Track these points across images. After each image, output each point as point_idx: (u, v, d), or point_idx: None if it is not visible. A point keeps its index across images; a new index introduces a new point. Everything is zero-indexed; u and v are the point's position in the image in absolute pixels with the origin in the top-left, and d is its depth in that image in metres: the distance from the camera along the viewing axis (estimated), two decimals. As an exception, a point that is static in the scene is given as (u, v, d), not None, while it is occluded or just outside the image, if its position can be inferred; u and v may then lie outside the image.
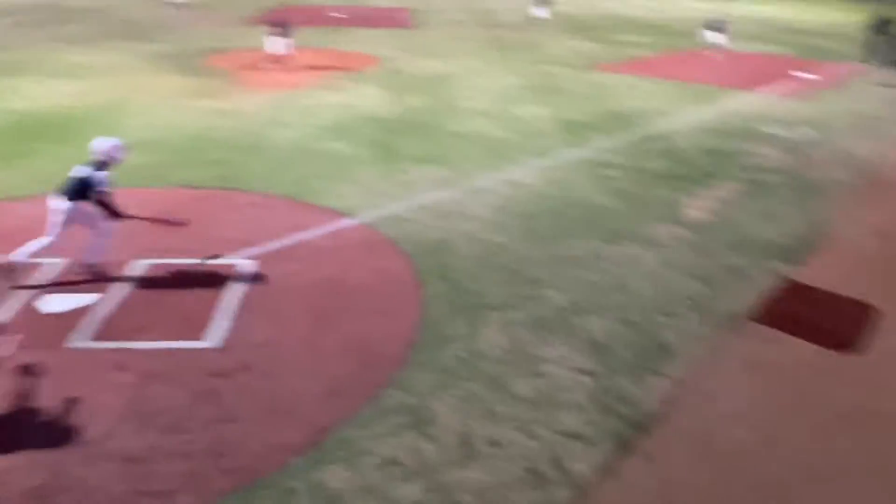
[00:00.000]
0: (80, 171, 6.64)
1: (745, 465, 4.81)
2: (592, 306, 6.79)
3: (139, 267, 7.18)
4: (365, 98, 15.65)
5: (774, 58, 25.42)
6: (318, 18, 32.56)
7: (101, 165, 6.63)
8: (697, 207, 9.59)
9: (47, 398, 5.12)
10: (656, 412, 5.29)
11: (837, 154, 12.66)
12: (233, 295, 6.71)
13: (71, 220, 6.62)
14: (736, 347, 6.24)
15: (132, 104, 14.30)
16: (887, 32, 24.01)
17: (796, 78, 20.74)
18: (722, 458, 4.88)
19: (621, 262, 7.78)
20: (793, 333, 6.44)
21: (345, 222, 8.58)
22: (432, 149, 11.91)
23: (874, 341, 6.42)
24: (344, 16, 33.89)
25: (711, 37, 23.67)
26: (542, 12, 32.34)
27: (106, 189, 6.61)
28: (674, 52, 24.36)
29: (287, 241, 7.92)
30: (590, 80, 19.33)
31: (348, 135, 12.52)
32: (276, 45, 18.99)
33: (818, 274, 7.70)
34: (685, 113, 15.47)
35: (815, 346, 6.26)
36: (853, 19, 25.80)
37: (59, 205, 6.56)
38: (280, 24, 19.34)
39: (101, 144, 6.72)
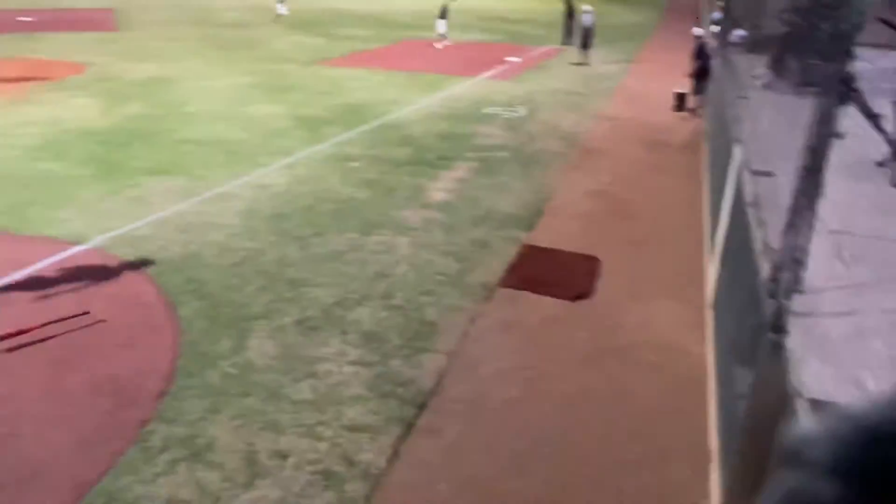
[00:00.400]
0: None
1: (516, 416, 5.26)
2: (358, 298, 6.88)
3: None
4: (74, 110, 13.97)
5: (487, 45, 27.71)
6: (4, 24, 28.24)
7: None
8: (440, 189, 10.16)
9: None
10: (432, 387, 5.55)
11: (548, 128, 14.25)
12: (-63, 356, 5.62)
13: None
14: (491, 313, 6.77)
15: None
16: (574, 18, 27.50)
17: (508, 62, 22.88)
18: (495, 414, 5.28)
19: (379, 251, 7.97)
20: (536, 292, 7.16)
21: (73, 250, 7.62)
22: (163, 158, 11.05)
23: (600, 288, 7.39)
24: (32, 19, 29.78)
25: (440, 25, 25.01)
26: (283, 9, 31.80)
27: None
28: (397, 43, 25.35)
29: (5, 281, 6.82)
30: (320, 74, 19.36)
31: (61, 153, 11.10)
32: None
33: (549, 236, 8.64)
34: (416, 101, 16.24)
35: (556, 300, 7.03)
36: (551, 7, 29.03)
37: None
38: None
39: None
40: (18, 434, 4.80)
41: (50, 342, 5.89)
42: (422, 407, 5.30)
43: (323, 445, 4.84)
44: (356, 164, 11.14)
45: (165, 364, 5.65)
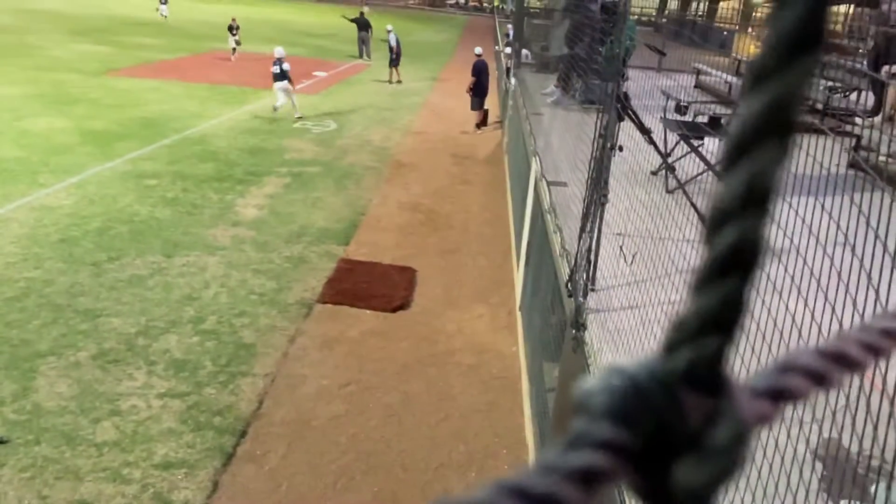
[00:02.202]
0: None
1: (341, 432, 5.22)
2: (165, 324, 6.42)
3: None
4: None
5: (293, 59, 27.25)
6: None
7: None
8: (250, 206, 9.81)
9: None
10: (252, 412, 5.33)
11: (359, 142, 14.35)
12: None
13: None
14: (311, 330, 6.66)
15: None
16: (368, 32, 28.04)
17: (315, 77, 22.70)
18: (319, 433, 5.20)
19: (186, 273, 7.51)
20: (355, 306, 7.17)
21: None
22: (-84, 180, 9.53)
23: (417, 297, 7.57)
24: None
25: (230, 39, 24.09)
26: (165, 10, 29.30)
27: None
28: (193, 54, 24.11)
29: None
30: (108, 85, 17.85)
31: None
32: None
33: (364, 249, 8.69)
34: (218, 115, 15.54)
35: (374, 313, 7.09)
36: (343, 21, 29.29)
37: None
38: None
39: None
40: None
41: None
42: (242, 434, 5.08)
43: (132, 489, 4.45)
44: (154, 182, 10.41)
45: (-70, 418, 4.88)
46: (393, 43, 22.58)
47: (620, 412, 0.26)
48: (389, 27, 23.11)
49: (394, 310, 7.20)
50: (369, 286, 7.65)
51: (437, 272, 8.24)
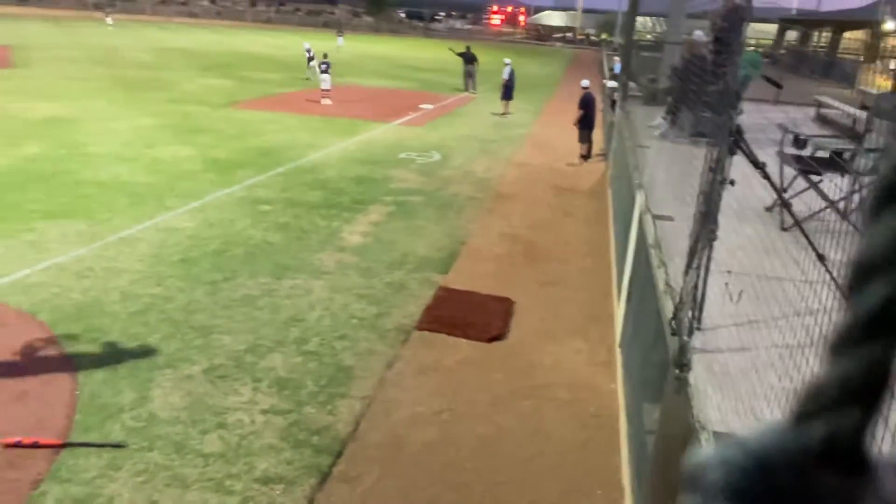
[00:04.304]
0: None
1: (433, 460, 5.22)
2: (271, 344, 6.70)
3: None
4: (-39, 149, 13.13)
5: (400, 92, 28.18)
6: None
7: None
8: (355, 233, 10.14)
9: None
10: (348, 434, 5.44)
11: (462, 173, 14.56)
12: None
13: None
14: (408, 356, 6.74)
15: None
16: (473, 65, 28.46)
17: (421, 109, 23.32)
18: (412, 459, 5.23)
19: (293, 295, 7.83)
20: (452, 334, 7.21)
21: (-45, 299, 7.08)
22: (63, 201, 10.51)
23: (513, 329, 7.52)
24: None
25: (324, 80, 22.80)
26: (110, 20, 28.06)
27: None
28: (308, 89, 25.35)
29: None
30: (231, 117, 19.09)
31: (-56, 194, 10.38)
32: None
33: (464, 278, 8.75)
34: (330, 145, 16.24)
35: (471, 342, 7.09)
36: (450, 55, 30.01)
37: None
38: None
39: None
40: None
41: (-73, 399, 5.41)
42: (338, 454, 5.18)
43: (233, 500, 4.63)
44: (268, 208, 10.97)
45: (61, 418, 5.29)
46: (506, 76, 22.81)
47: (740, 493, 0.22)
48: (507, 60, 23.31)
49: (490, 340, 7.18)
50: (466, 315, 7.67)
51: (535, 304, 8.16)
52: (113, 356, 6.23)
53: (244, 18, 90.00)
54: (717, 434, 2.94)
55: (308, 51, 30.33)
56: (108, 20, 59.37)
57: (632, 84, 14.23)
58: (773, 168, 5.89)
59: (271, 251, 9.13)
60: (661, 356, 4.36)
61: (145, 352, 6.37)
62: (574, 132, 16.62)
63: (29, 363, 6.04)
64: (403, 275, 8.70)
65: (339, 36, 49.17)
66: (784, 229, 5.66)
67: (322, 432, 5.41)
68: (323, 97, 22.57)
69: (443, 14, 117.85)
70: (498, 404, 6.05)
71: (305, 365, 6.38)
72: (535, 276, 9.11)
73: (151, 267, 8.29)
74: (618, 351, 7.00)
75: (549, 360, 6.89)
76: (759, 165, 4.95)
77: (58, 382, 5.77)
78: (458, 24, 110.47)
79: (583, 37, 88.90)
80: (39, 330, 6.61)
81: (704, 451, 0.23)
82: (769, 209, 6.11)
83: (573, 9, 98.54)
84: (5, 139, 14.24)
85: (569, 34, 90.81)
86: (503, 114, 22.90)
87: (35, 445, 4.94)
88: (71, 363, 6.07)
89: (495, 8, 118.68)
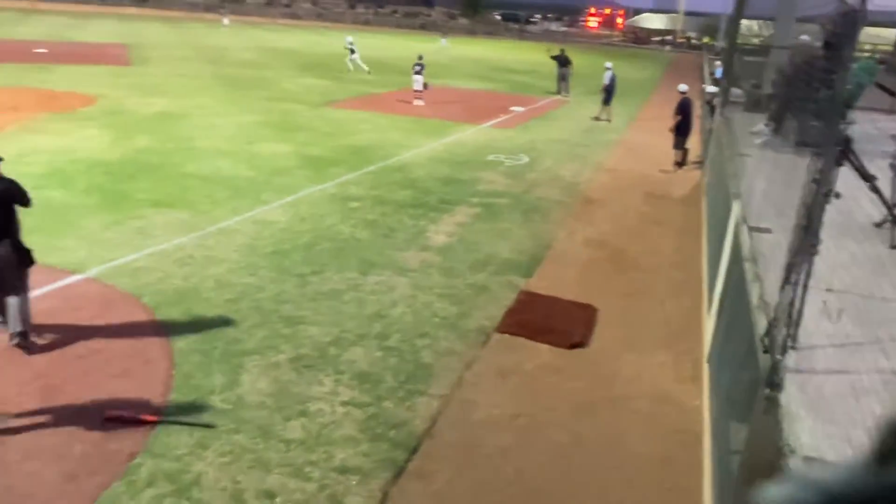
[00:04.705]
0: None
1: (508, 464, 5.20)
2: (354, 337, 6.86)
3: None
4: (84, 140, 14.16)
5: (492, 94, 28.21)
6: (18, 54, 28.83)
7: None
8: (440, 233, 10.23)
9: None
10: (424, 431, 5.49)
11: (550, 176, 14.42)
12: (-72, 380, 5.58)
13: None
14: (487, 358, 6.74)
15: None
16: (567, 68, 28.07)
17: (512, 112, 23.25)
18: (486, 460, 5.22)
19: (377, 291, 7.98)
20: (533, 339, 7.15)
21: (72, 279, 7.63)
22: (169, 192, 11.15)
23: (596, 337, 7.38)
24: (45, 51, 30.41)
25: (416, 81, 23.08)
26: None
27: None
28: (401, 89, 25.77)
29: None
30: (326, 116, 19.66)
31: (67, 182, 11.21)
32: None
33: (547, 283, 8.66)
34: (420, 145, 16.46)
35: (552, 348, 7.01)
36: (544, 58, 29.77)
37: None
38: None
39: None
40: (4, 463, 4.73)
41: (41, 368, 5.85)
42: (413, 451, 5.24)
43: (311, 486, 4.77)
44: (357, 205, 11.24)
45: (157, 396, 5.61)
46: (607, 81, 22.37)
47: None
48: (609, 64, 22.86)
49: (571, 346, 7.07)
50: (548, 320, 7.59)
51: (619, 313, 7.98)
52: (207, 340, 6.55)
53: (344, 20, 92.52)
54: (807, 459, 2.78)
55: (350, 44, 31.93)
56: (225, 21, 62.75)
57: (733, 90, 13.66)
58: (884, 182, 5.52)
59: (358, 247, 9.34)
60: (752, 374, 4.17)
61: (236, 338, 6.66)
62: (669, 138, 16.12)
63: (132, 342, 6.44)
64: (486, 277, 8.70)
65: (444, 37, 52.63)
66: (894, 247, 5.29)
67: (399, 427, 5.49)
68: (415, 98, 22.88)
69: (538, 16, 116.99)
70: (576, 413, 5.96)
71: (386, 360, 6.49)
72: (621, 284, 8.90)
73: (245, 257, 8.66)
74: (705, 366, 6.74)
75: (632, 370, 6.72)
76: (868, 178, 4.65)
77: (157, 362, 6.12)
78: (553, 26, 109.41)
79: (683, 40, 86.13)
80: (142, 312, 7.03)
81: (777, 489, 0.22)
82: (878, 225, 5.72)
83: (674, 11, 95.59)
84: (121, 132, 15.24)
85: (668, 37, 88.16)
86: (601, 119, 22.46)
87: (134, 420, 5.26)
88: (169, 345, 6.43)
89: (593, 10, 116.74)
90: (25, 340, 6.04)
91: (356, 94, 24.39)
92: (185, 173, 12.38)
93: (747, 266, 4.99)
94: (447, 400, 5.95)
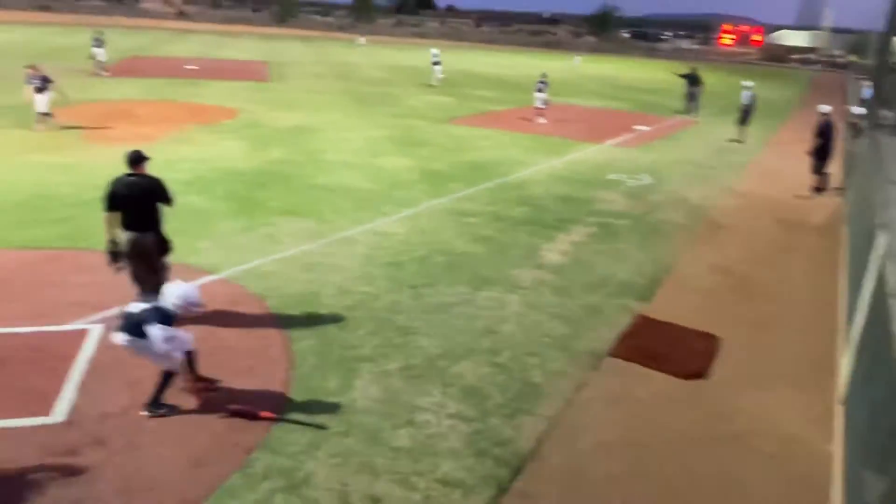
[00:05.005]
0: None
1: (616, 494, 5.02)
2: (463, 352, 6.90)
3: (-33, 338, 6.44)
4: (224, 151, 15.25)
5: (616, 112, 27.67)
6: (172, 70, 31.52)
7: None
8: (555, 251, 10.11)
9: None
10: (529, 451, 5.42)
11: (674, 198, 13.90)
12: (81, 364, 6.16)
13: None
14: (598, 382, 6.56)
15: (-44, 159, 13.00)
16: (698, 87, 27.00)
17: (636, 131, 22.67)
18: (593, 487, 5.07)
19: (488, 307, 8.00)
20: (647, 366, 6.89)
21: (207, 279, 8.20)
22: (296, 201, 11.76)
23: (716, 368, 7.00)
24: (196, 67, 33.04)
25: (538, 98, 23.08)
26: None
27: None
28: (522, 107, 25.82)
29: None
30: (449, 132, 20.03)
31: (207, 188, 12.10)
32: (39, 101, 15.96)
33: (665, 308, 8.33)
34: (539, 163, 16.40)
35: (667, 376, 6.72)
36: (673, 76, 28.82)
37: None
38: (39, 75, 15.99)
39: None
40: (138, 446, 5.14)
41: (177, 362, 6.31)
42: (517, 470, 5.19)
43: (416, 496, 4.83)
44: (474, 220, 11.34)
45: (276, 394, 5.90)
46: (746, 100, 21.40)
47: None
48: (748, 83, 21.83)
49: (688, 376, 6.75)
50: (665, 347, 7.29)
51: (743, 344, 7.53)
52: (324, 344, 6.82)
53: (469, 38, 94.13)
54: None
55: (435, 56, 33.24)
56: (361, 40, 65.97)
57: (883, 112, 12.62)
58: None
59: (472, 262, 9.42)
60: (894, 421, 3.80)
61: (352, 344, 6.89)
62: (807, 162, 15.11)
63: (257, 342, 6.82)
64: (600, 298, 8.50)
65: (577, 56, 55.90)
66: None
67: (504, 445, 5.45)
68: (537, 115, 22.85)
69: (669, 34, 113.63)
70: (691, 446, 5.67)
71: (494, 376, 6.48)
72: (746, 314, 8.41)
73: (364, 267, 8.95)
74: (838, 408, 6.21)
75: (754, 407, 6.31)
76: None
77: (278, 362, 6.44)
78: (684, 43, 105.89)
79: (826, 58, 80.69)
80: (267, 313, 7.44)
81: None
82: None
83: (817, 28, 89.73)
84: (257, 144, 16.27)
85: (810, 55, 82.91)
86: (737, 140, 21.43)
87: (254, 416, 5.55)
88: (290, 345, 6.74)
89: (727, 27, 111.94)
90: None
91: (477, 111, 24.69)
92: (313, 184, 13.01)
93: (893, 303, 4.57)
94: (555, 422, 5.84)
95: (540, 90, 22.90)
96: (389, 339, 7.06)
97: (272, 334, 6.99)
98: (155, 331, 5.20)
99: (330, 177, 13.64)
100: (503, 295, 8.37)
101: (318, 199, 11.96)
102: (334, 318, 7.41)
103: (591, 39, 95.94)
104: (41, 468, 4.82)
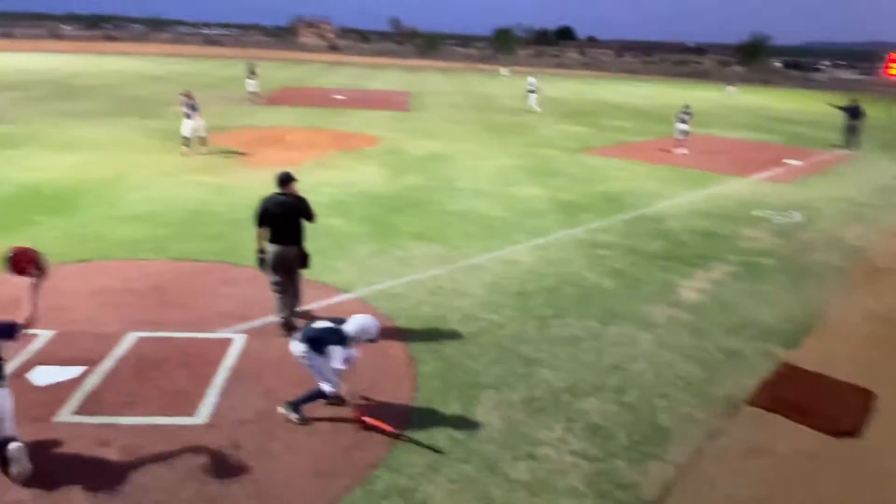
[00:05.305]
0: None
1: (748, 557, 4.64)
2: (589, 388, 6.70)
3: (131, 340, 7.10)
4: (364, 176, 15.95)
5: (764, 145, 26.15)
6: (321, 99, 33.57)
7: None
8: (692, 289, 9.63)
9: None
10: (655, 499, 5.14)
11: (827, 238, 12.85)
12: (224, 370, 6.61)
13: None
14: (734, 432, 6.12)
15: (132, 178, 14.52)
16: (859, 119, 24.89)
17: (786, 165, 21.27)
18: (724, 548, 4.71)
19: (617, 343, 7.74)
20: (790, 418, 6.34)
21: (341, 297, 8.56)
22: (429, 226, 12.04)
23: (870, 427, 6.32)
24: (343, 97, 34.96)
25: (679, 129, 22.37)
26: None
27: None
28: (660, 137, 25.02)
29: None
30: (582, 162, 19.79)
31: (346, 211, 12.68)
32: (186, 126, 17.30)
33: (814, 357, 7.66)
34: (677, 196, 15.77)
35: (812, 432, 6.15)
36: (829, 109, 26.79)
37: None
38: (189, 103, 17.35)
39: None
40: (270, 453, 5.40)
41: (307, 372, 6.60)
42: (641, 517, 4.93)
43: (531, 531, 4.71)
44: (606, 252, 11.06)
45: (399, 414, 6.01)
46: None
47: None
48: None
49: (838, 434, 6.13)
50: (812, 400, 6.69)
51: (906, 404, 6.75)
52: (448, 369, 6.88)
53: (610, 69, 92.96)
54: None
55: (531, 84, 34.32)
56: (505, 71, 67.26)
57: None
58: None
59: (602, 296, 9.16)
60: None
61: (475, 370, 6.89)
62: None
63: (383, 360, 6.99)
64: (741, 342, 7.97)
65: (731, 85, 54.54)
66: None
67: (627, 489, 5.21)
68: (678, 147, 22.06)
69: (826, 63, 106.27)
70: (840, 512, 5.13)
71: (621, 416, 6.22)
72: (911, 370, 7.55)
73: (490, 294, 8.97)
74: None
75: (919, 476, 5.61)
76: None
77: (402, 382, 6.57)
78: (843, 73, 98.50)
79: None
80: (395, 333, 7.62)
81: None
82: None
83: None
84: (395, 170, 16.88)
85: None
86: None
87: (376, 428, 5.68)
88: (415, 366, 6.86)
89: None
90: (290, 324, 7.37)
91: (613, 142, 24.23)
92: (446, 210, 13.28)
93: None
94: (684, 470, 5.51)
95: (683, 121, 22.12)
96: (513, 368, 7.00)
97: (398, 354, 7.14)
98: (338, 351, 5.59)
99: (462, 203, 13.86)
100: (634, 331, 8.07)
101: (450, 225, 12.18)
102: (459, 344, 7.46)
103: (739, 69, 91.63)
104: (183, 464, 5.19)
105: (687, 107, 22.59)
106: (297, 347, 5.79)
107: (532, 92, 34.45)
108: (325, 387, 5.79)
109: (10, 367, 6.39)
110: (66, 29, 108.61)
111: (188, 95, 17.77)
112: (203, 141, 17.69)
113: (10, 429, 4.87)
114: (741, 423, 6.28)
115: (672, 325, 8.35)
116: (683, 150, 21.84)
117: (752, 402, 6.61)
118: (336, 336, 5.69)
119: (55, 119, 22.35)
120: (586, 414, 6.22)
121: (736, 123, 33.26)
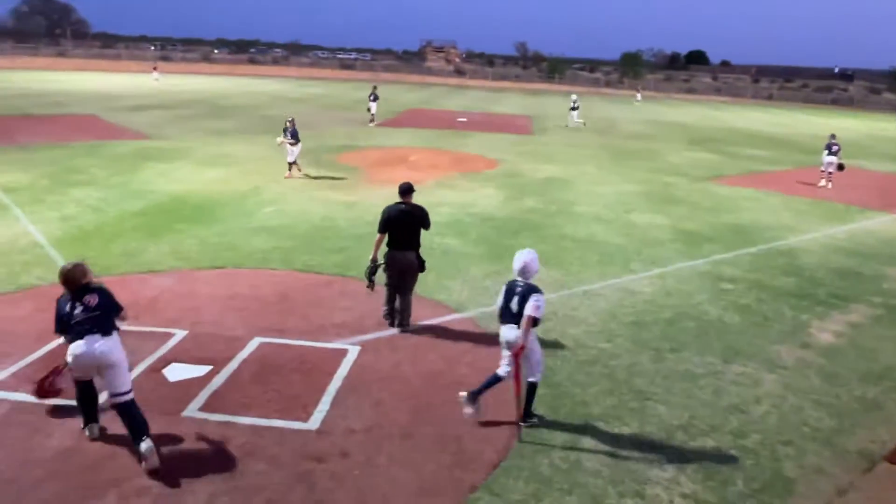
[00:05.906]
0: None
1: None
2: (706, 427, 6.35)
3: (254, 344, 7.52)
4: (482, 198, 16.10)
5: (916, 178, 23.94)
6: (444, 121, 34.36)
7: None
8: (827, 331, 8.93)
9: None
10: (774, 554, 4.77)
11: None
12: (338, 379, 6.84)
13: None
14: (868, 489, 5.59)
15: (266, 192, 15.48)
16: None
17: (941, 200, 19.34)
18: None
19: (739, 383, 7.29)
20: (939, 482, 5.70)
21: (452, 316, 8.65)
22: (544, 250, 11.90)
23: None
24: (465, 120, 35.57)
25: (827, 161, 20.62)
26: (576, 119, 34.77)
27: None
28: (799, 168, 23.50)
29: (393, 330, 8.08)
30: (709, 191, 18.96)
31: (463, 232, 12.83)
32: (290, 151, 17.46)
33: (970, 416, 6.86)
34: (813, 230, 14.74)
35: (967, 500, 5.50)
36: None
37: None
38: (292, 129, 17.51)
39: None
40: (375, 464, 5.52)
41: (416, 388, 6.71)
42: (757, 572, 4.59)
43: (635, 573, 4.50)
44: (730, 286, 10.49)
45: (504, 439, 5.96)
46: None
47: None
48: None
49: None
50: (966, 464, 5.98)
51: None
52: (556, 396, 6.75)
53: (744, 95, 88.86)
54: None
55: (574, 101, 35.82)
56: (638, 96, 66.29)
57: None
58: None
59: (725, 331, 8.69)
60: None
61: (584, 400, 6.72)
62: None
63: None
64: (881, 392, 7.28)
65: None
66: None
67: (743, 540, 4.87)
68: (822, 178, 20.61)
69: None
70: None
71: (739, 460, 5.85)
72: None
73: (604, 322, 8.74)
74: None
75: None
76: None
77: (508, 406, 6.50)
78: None
79: None
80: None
81: None
82: None
83: None
84: (513, 193, 16.91)
85: None
86: None
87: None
88: (521, 392, 6.78)
89: None
90: (405, 327, 8.08)
91: (745, 171, 23.05)
92: (563, 234, 13.12)
93: None
94: (808, 526, 5.08)
95: (833, 152, 20.45)
96: (625, 401, 6.77)
97: (510, 377, 7.09)
98: (539, 299, 5.94)
99: (579, 228, 13.65)
100: (758, 372, 7.58)
101: (566, 250, 12.02)
102: (569, 371, 7.32)
103: (890, 97, 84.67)
104: (294, 467, 5.41)
105: (833, 137, 21.07)
106: (510, 333, 6.07)
107: (574, 109, 35.46)
108: (502, 371, 6.22)
109: (148, 362, 6.97)
110: (217, 53, 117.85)
111: (292, 122, 17.93)
112: (296, 167, 17.82)
113: (122, 384, 5.35)
114: (877, 480, 5.72)
115: (801, 367, 7.77)
116: (827, 184, 20.36)
117: (891, 460, 6.01)
118: (529, 288, 6.03)
119: (203, 136, 24.30)
120: (701, 455, 5.90)
121: (882, 154, 30.71)
